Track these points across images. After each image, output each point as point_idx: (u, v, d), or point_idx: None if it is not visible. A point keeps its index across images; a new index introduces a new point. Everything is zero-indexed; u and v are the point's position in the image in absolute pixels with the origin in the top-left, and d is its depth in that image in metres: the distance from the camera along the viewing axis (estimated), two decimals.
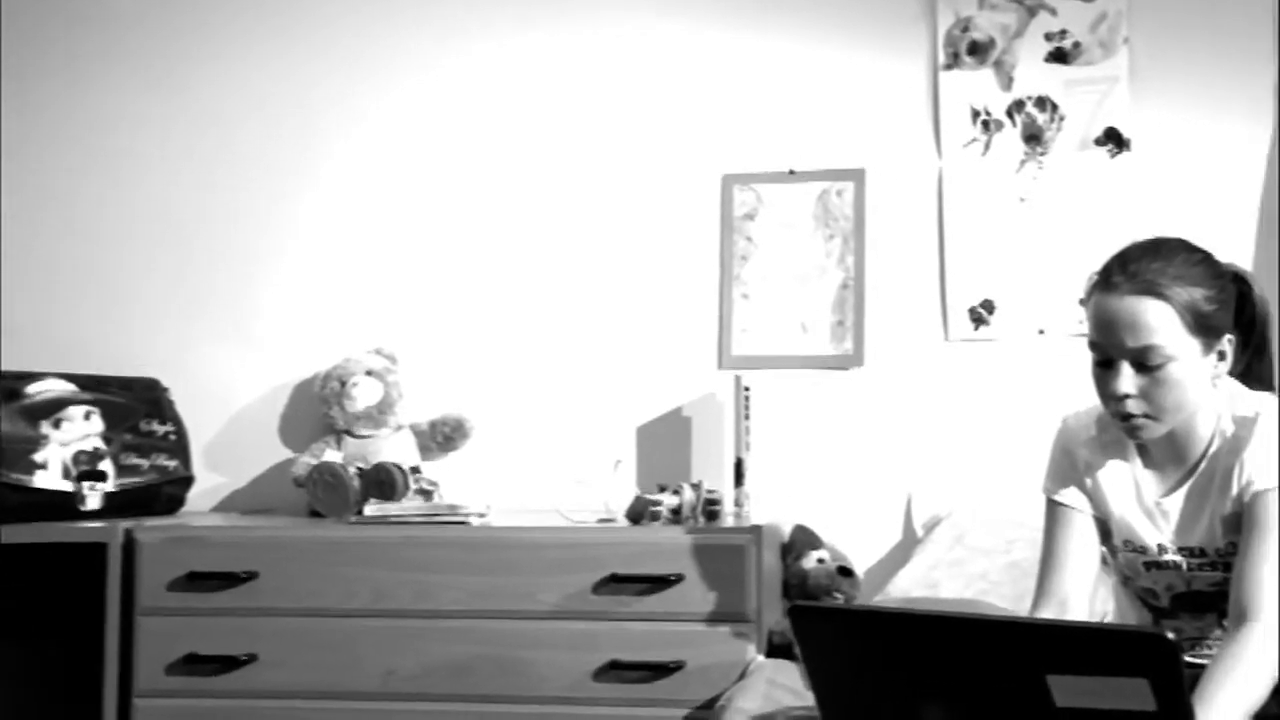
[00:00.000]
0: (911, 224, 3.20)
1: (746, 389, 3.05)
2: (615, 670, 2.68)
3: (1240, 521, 1.98)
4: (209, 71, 3.50)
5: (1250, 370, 2.09)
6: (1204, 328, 1.95)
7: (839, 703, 1.76)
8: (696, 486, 2.86)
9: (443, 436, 3.28)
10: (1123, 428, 2.02)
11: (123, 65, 3.52)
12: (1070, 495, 2.12)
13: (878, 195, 3.20)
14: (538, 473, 3.24)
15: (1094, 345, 1.99)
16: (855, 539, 3.10)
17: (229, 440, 3.41)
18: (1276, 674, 1.88)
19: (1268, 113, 3.08)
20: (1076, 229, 3.10)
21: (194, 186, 3.49)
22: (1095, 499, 2.12)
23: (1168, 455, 2.07)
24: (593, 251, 3.32)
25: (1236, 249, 2.98)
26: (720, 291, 3.24)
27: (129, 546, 2.87)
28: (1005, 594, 2.78)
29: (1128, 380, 1.95)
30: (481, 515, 2.93)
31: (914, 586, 2.89)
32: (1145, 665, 1.52)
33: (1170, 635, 1.54)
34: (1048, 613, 2.06)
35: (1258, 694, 1.85)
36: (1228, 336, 2.00)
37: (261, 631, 2.82)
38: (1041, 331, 3.12)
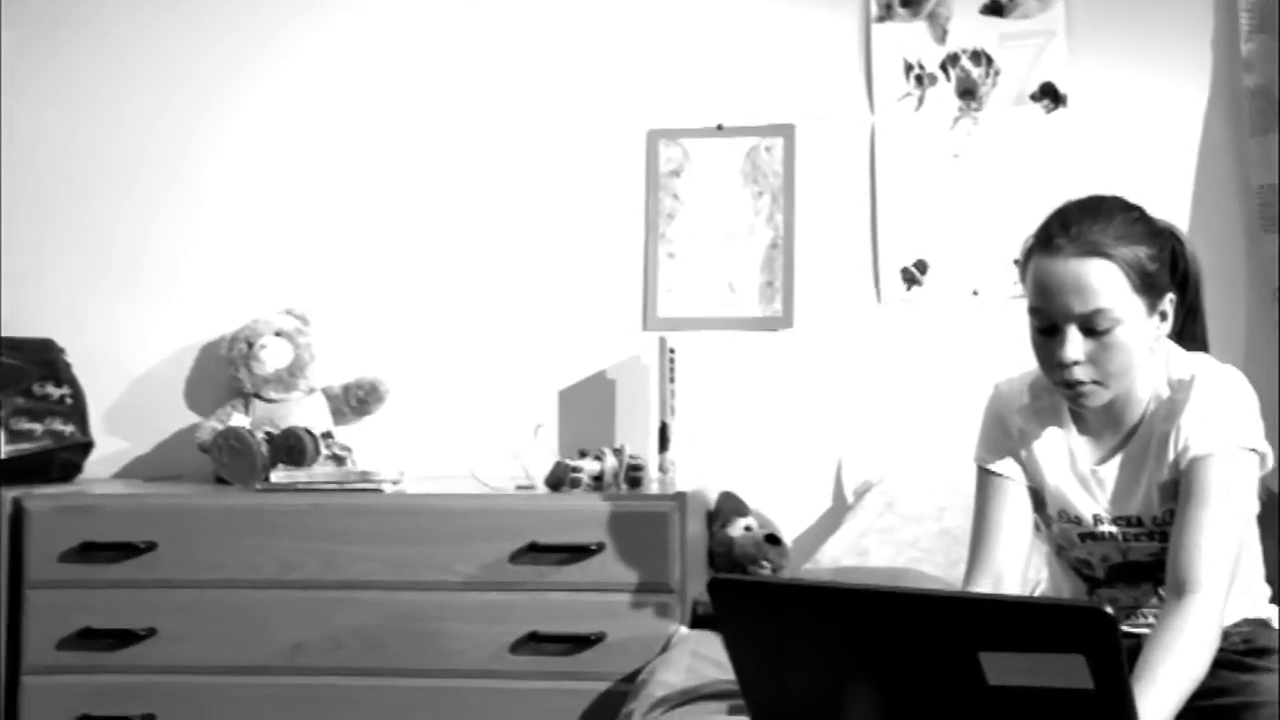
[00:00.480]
0: (843, 181, 3.14)
1: (672, 351, 2.99)
2: (534, 642, 2.61)
3: (1177, 489, 1.92)
4: (108, 18, 3.36)
5: (1184, 331, 2.04)
6: (1148, 287, 1.90)
7: (761, 680, 1.69)
8: (619, 452, 2.80)
9: (356, 400, 3.19)
10: (1067, 395, 1.96)
11: (10, 12, 3.36)
12: (1004, 465, 2.06)
13: (808, 151, 3.14)
14: (456, 438, 3.15)
15: (1036, 311, 1.92)
16: (784, 506, 3.05)
17: (131, 404, 3.29)
18: (1216, 647, 1.82)
19: (1205, 67, 3.05)
20: (1012, 186, 3.05)
21: (94, 136, 3.35)
22: (1029, 468, 2.06)
23: (1103, 422, 2.01)
24: (513, 209, 3.24)
25: (1174, 206, 2.96)
26: (645, 250, 3.18)
27: (17, 516, 2.76)
28: (938, 562, 2.73)
29: (1075, 346, 1.89)
30: (395, 482, 2.86)
31: (844, 554, 2.84)
32: (1082, 641, 1.46)
33: (1108, 610, 1.46)
34: (982, 588, 1.99)
35: (1198, 669, 1.79)
36: (1169, 295, 1.95)
37: (161, 604, 2.72)
38: (976, 292, 3.08)
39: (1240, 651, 1.91)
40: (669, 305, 3.15)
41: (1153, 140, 3.04)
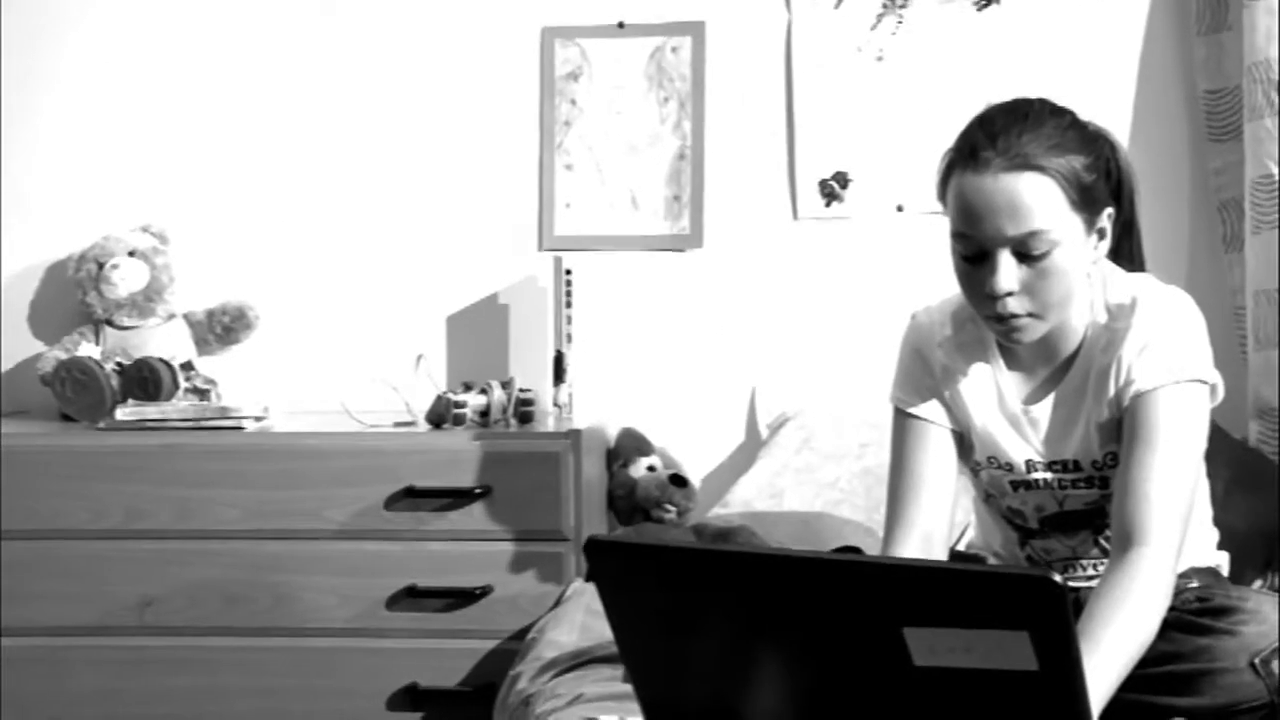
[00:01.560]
0: (756, 85, 2.99)
1: (568, 273, 2.83)
2: (412, 598, 2.49)
3: (1120, 429, 1.77)
4: None
5: (1119, 249, 1.87)
6: (1087, 201, 1.74)
7: (650, 657, 1.47)
8: (507, 385, 2.66)
9: (222, 327, 3.00)
10: (999, 330, 1.79)
11: None
12: (925, 408, 1.89)
13: (718, 53, 2.98)
14: (331, 369, 2.98)
15: (961, 236, 1.74)
16: (692, 443, 2.94)
17: None
18: (1166, 608, 1.67)
19: None
20: (941, 91, 2.89)
21: None
22: (954, 410, 1.89)
23: (1035, 354, 1.85)
24: (395, 115, 3.04)
25: (1114, 112, 2.83)
26: (540, 162, 3.02)
27: None
28: (859, 505, 2.64)
29: (1009, 274, 1.71)
30: (258, 419, 2.69)
31: (756, 496, 2.73)
32: (1027, 616, 1.25)
33: (1058, 579, 1.24)
34: (908, 551, 1.81)
35: (1147, 632, 1.64)
36: (1107, 210, 1.79)
37: None
38: (900, 208, 2.95)
39: (1194, 611, 1.73)
40: (566, 222, 3.01)
41: (1092, 40, 2.89)
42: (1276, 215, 2.65)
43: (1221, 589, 1.79)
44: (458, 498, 2.47)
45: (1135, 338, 1.76)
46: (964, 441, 1.89)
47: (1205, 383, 1.77)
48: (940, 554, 1.83)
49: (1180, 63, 2.88)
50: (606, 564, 1.44)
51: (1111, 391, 1.77)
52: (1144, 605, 1.64)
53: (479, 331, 3.00)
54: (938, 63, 2.91)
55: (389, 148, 3.03)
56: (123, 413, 2.61)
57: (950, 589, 1.29)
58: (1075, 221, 1.72)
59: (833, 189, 2.96)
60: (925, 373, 1.89)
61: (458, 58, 3.01)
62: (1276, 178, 2.64)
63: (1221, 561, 1.97)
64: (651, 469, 2.75)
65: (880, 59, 2.93)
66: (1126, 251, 1.88)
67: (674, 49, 2.96)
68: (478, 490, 2.47)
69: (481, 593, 2.47)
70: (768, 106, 2.97)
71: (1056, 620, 1.25)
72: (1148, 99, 2.88)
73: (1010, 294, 1.72)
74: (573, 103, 2.99)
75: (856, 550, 2.02)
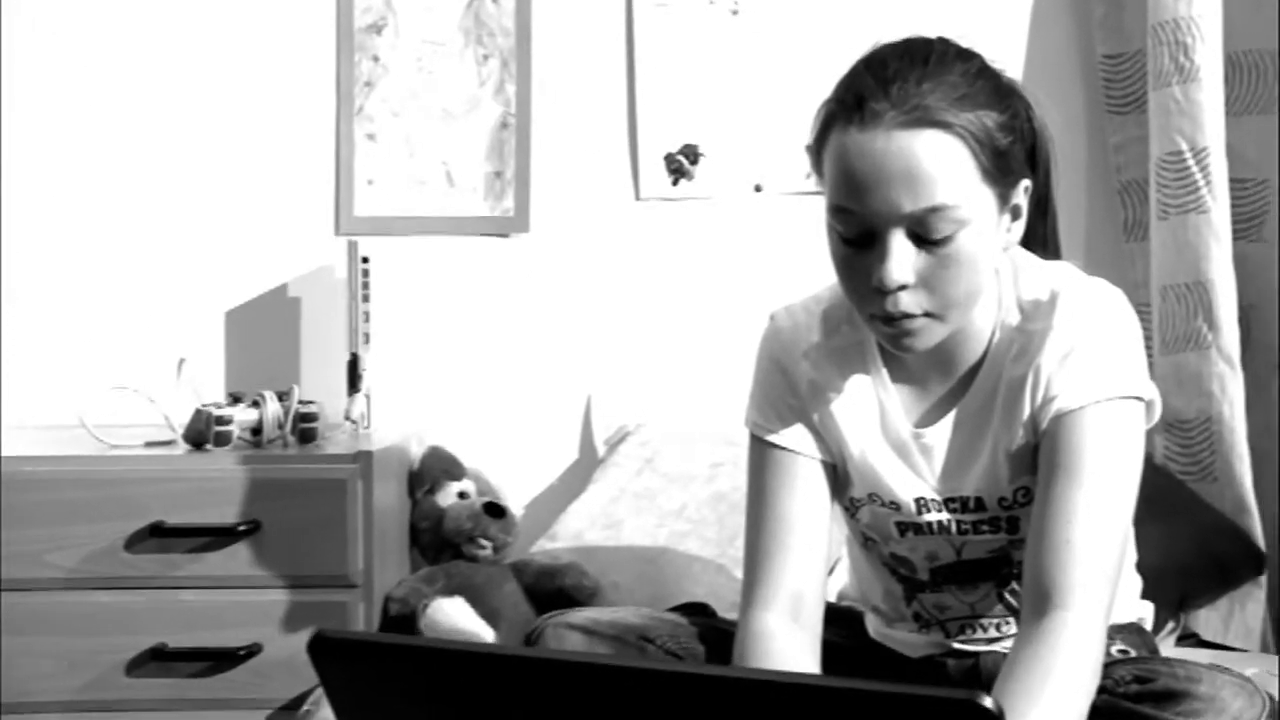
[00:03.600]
0: (592, 43, 2.82)
1: (365, 261, 2.58)
2: (160, 661, 2.23)
3: (1035, 458, 1.54)
4: None
5: (1032, 231, 1.61)
6: (1000, 170, 1.48)
7: None
8: (284, 396, 2.38)
9: None
10: (886, 334, 1.50)
11: None
12: (790, 435, 1.61)
13: (548, 3, 2.81)
14: (76, 375, 2.69)
15: (841, 212, 1.47)
16: (512, 464, 2.74)
17: None
18: (1095, 686, 1.41)
19: None
20: (806, 51, 2.73)
21: None
22: (825, 436, 1.61)
23: (929, 364, 1.60)
24: (161, 72, 2.79)
25: (1009, 58, 2.63)
26: (337, 130, 2.79)
27: None
28: (709, 537, 2.43)
29: (903, 263, 1.45)
30: None
31: (589, 527, 2.51)
32: None
33: (989, 703, 0.91)
34: (773, 617, 1.55)
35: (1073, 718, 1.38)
36: (1024, 183, 1.53)
37: None
38: (759, 188, 2.80)
39: (1132, 695, 1.45)
40: (369, 202, 2.79)
41: None
42: (1186, 198, 2.47)
43: (1165, 665, 1.50)
44: (219, 536, 2.22)
45: (1056, 343, 1.51)
46: (839, 474, 1.61)
47: (1141, 399, 1.51)
48: (814, 619, 1.56)
49: (1075, 22, 2.73)
50: (338, 667, 1.07)
51: (1026, 411, 1.52)
52: (1069, 688, 1.37)
53: (264, 331, 2.76)
54: (803, 17, 2.74)
55: (154, 111, 2.78)
56: None
57: (836, 712, 0.95)
58: (986, 195, 1.46)
59: (681, 165, 2.82)
60: (788, 390, 1.61)
61: (243, 7, 2.76)
62: (1186, 155, 2.47)
63: (1145, 614, 1.73)
64: (463, 496, 2.51)
65: (736, 12, 2.77)
66: (1040, 235, 1.63)
67: None
68: (244, 526, 2.21)
69: (248, 653, 2.21)
70: (605, 68, 2.81)
71: None
72: (1038, 64, 2.72)
73: (903, 287, 1.43)
74: (375, 60, 2.78)
75: (704, 609, 1.73)
